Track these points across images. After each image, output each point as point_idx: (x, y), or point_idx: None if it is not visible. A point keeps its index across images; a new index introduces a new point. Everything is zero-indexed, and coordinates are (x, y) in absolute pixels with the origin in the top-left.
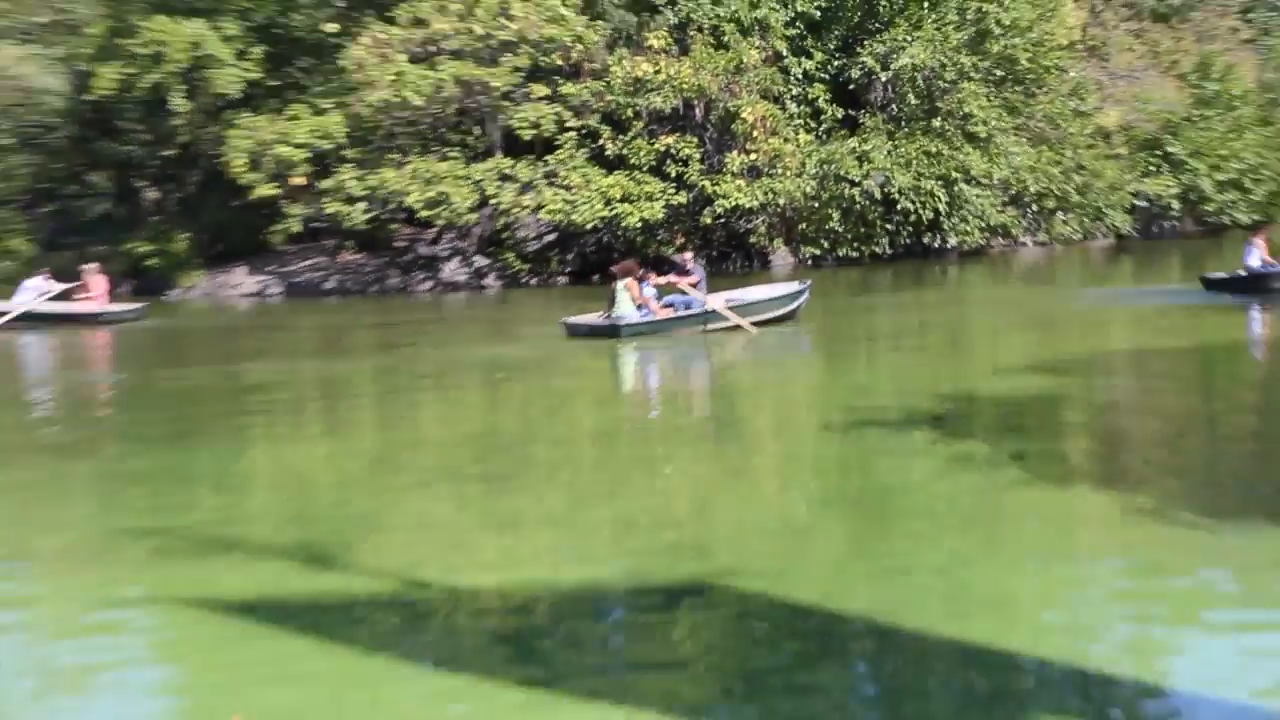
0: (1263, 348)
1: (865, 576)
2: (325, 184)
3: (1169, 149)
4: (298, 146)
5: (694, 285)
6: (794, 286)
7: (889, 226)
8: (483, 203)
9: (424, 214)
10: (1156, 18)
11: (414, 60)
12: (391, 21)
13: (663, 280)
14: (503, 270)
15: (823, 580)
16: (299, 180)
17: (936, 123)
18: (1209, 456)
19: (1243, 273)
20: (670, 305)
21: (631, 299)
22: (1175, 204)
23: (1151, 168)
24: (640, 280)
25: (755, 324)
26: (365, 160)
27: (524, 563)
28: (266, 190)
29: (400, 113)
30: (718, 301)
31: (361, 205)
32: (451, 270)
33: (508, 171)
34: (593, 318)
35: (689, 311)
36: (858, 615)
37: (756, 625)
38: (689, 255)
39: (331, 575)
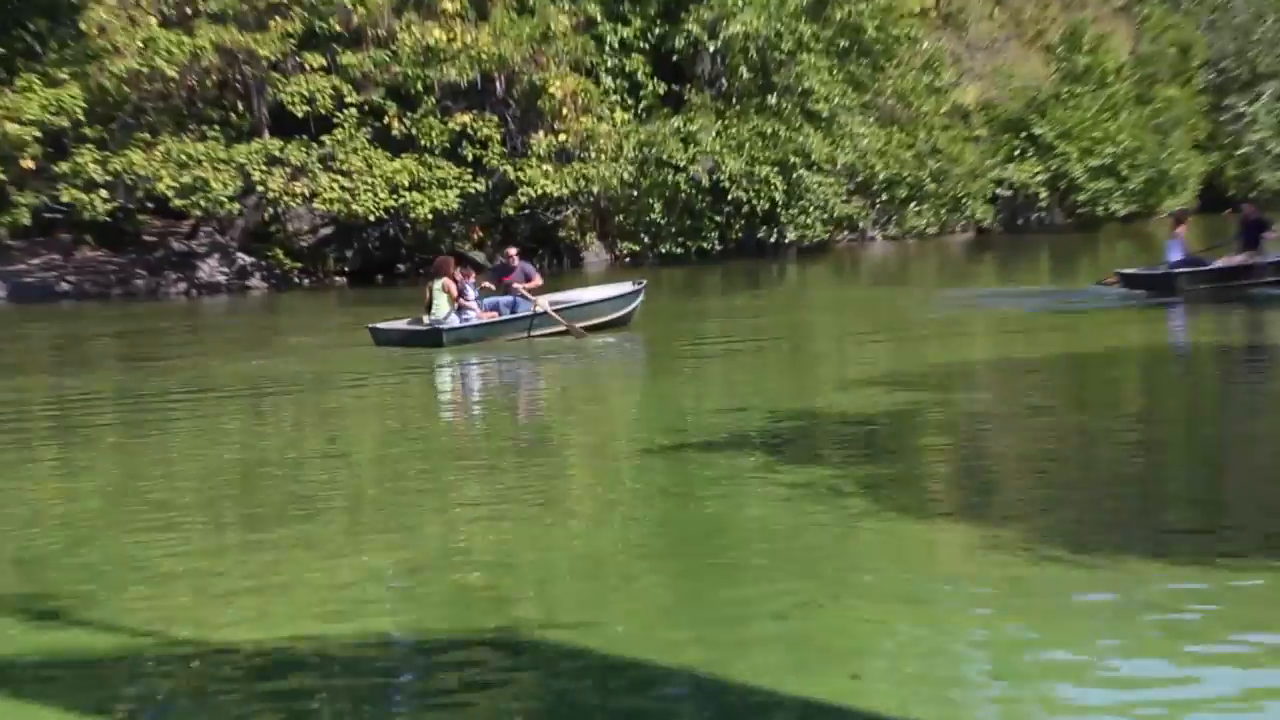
0: (1152, 355)
1: (691, 625)
2: (60, 167)
3: (1035, 131)
4: (27, 124)
5: (535, 289)
6: (627, 287)
7: (718, 219)
8: (247, 190)
9: (177, 203)
10: None
11: (167, 24)
12: None
13: (491, 285)
14: (270, 270)
15: (642, 630)
16: (28, 163)
17: (772, 100)
18: (1084, 482)
19: (1163, 269)
20: (494, 309)
21: (449, 300)
22: (1043, 193)
23: (1016, 152)
24: (461, 279)
25: (587, 329)
26: (108, 140)
27: (290, 615)
28: None
29: (150, 85)
30: (543, 304)
31: (103, 193)
32: (210, 269)
33: (276, 154)
34: (403, 323)
35: (514, 315)
36: (683, 671)
37: (563, 685)
38: (514, 252)
39: (63, 633)
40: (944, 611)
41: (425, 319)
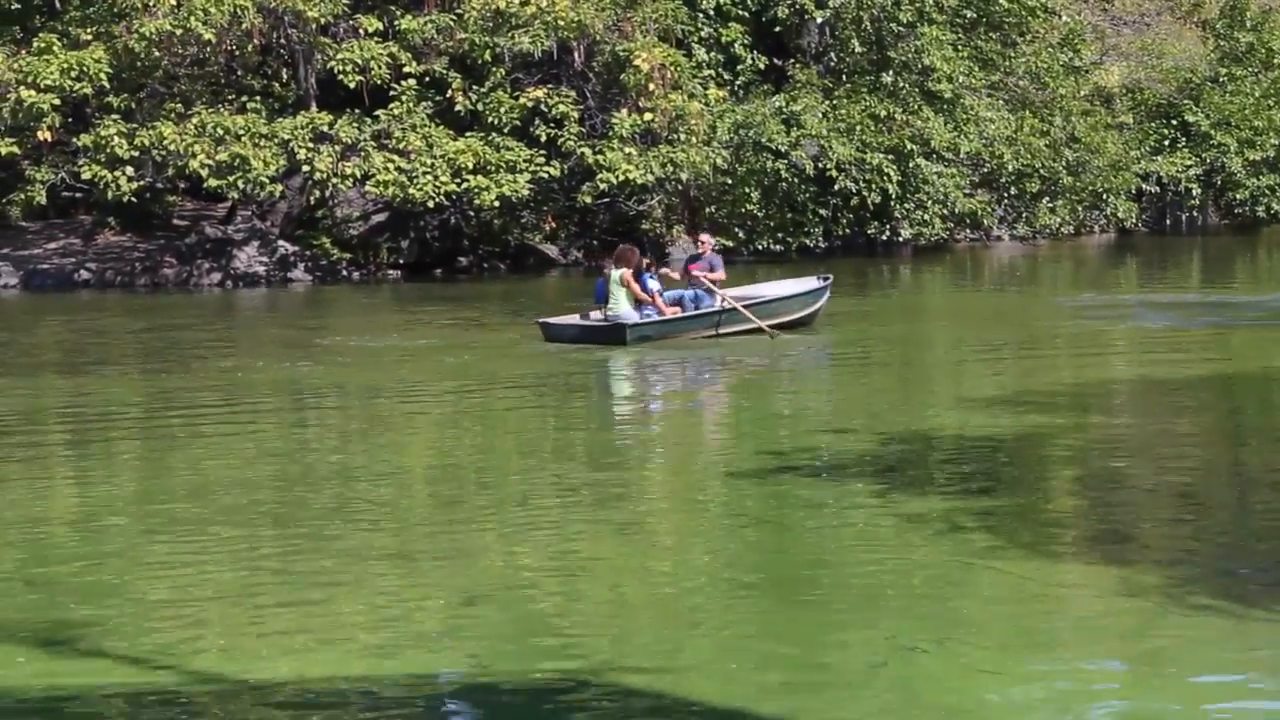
0: None
1: (777, 669)
2: (82, 140)
3: (1188, 118)
4: (46, 90)
5: (716, 281)
6: (813, 283)
7: (823, 212)
8: (291, 171)
9: (213, 184)
10: None
11: None
12: None
13: (676, 274)
14: (315, 260)
15: (723, 679)
16: (45, 135)
17: (887, 78)
18: (1234, 524)
19: None
20: (678, 302)
21: (628, 294)
22: (1195, 189)
23: (1165, 142)
24: (642, 271)
25: (774, 328)
26: (136, 111)
27: (332, 647)
28: (1, 148)
29: (184, 49)
30: (732, 300)
31: (129, 170)
32: (248, 258)
33: (325, 130)
34: (576, 318)
35: (702, 310)
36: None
37: None
38: (707, 240)
39: (76, 665)
40: (1067, 665)
41: (596, 314)
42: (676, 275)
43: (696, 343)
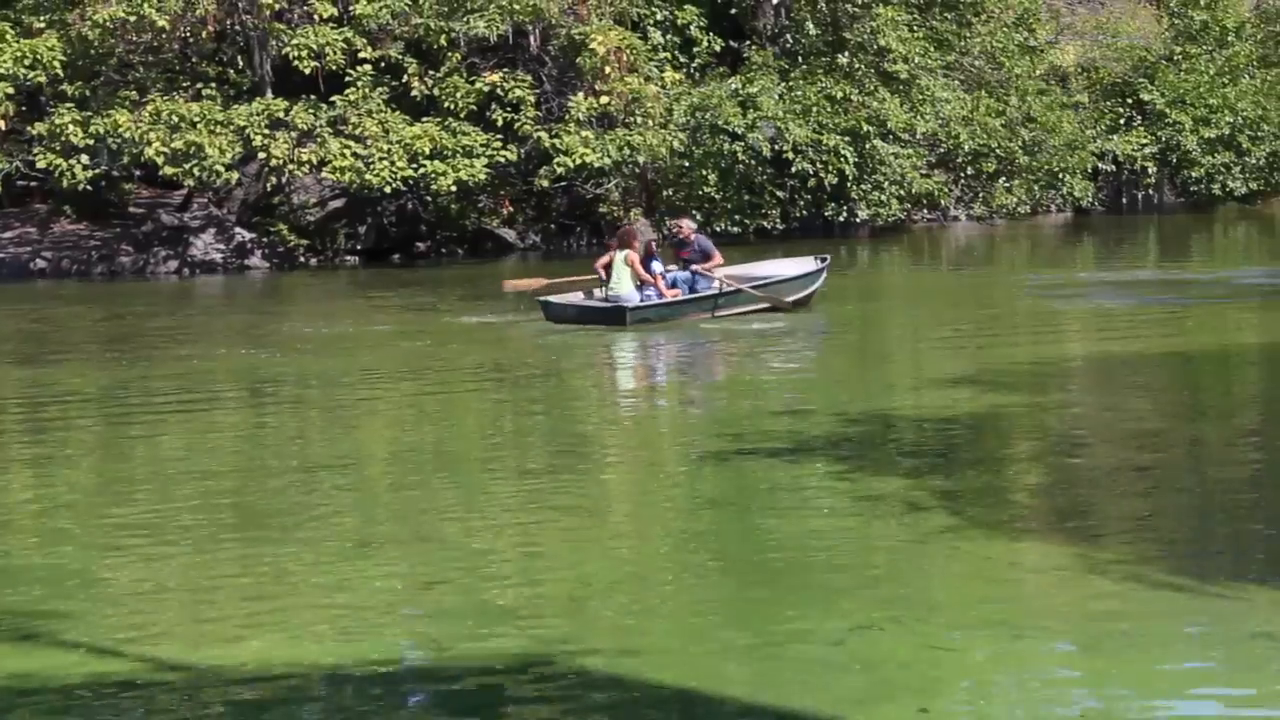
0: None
1: (743, 651)
2: (36, 129)
3: (1143, 97)
4: None
5: (714, 267)
6: (810, 264)
7: (781, 194)
8: (247, 157)
9: (168, 171)
10: None
11: None
12: None
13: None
14: (273, 247)
15: (682, 660)
16: (0, 124)
17: (843, 59)
18: (1192, 500)
19: None
20: (674, 285)
21: (632, 275)
22: (1151, 168)
23: (1120, 121)
24: (649, 254)
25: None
26: (90, 99)
27: (291, 632)
28: None
29: (138, 36)
30: (734, 282)
31: (84, 158)
32: (204, 246)
33: (280, 116)
34: (577, 297)
35: (702, 293)
36: (728, 700)
37: (596, 717)
38: (687, 224)
39: (35, 656)
40: (1026, 640)
41: (599, 293)
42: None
43: (684, 326)
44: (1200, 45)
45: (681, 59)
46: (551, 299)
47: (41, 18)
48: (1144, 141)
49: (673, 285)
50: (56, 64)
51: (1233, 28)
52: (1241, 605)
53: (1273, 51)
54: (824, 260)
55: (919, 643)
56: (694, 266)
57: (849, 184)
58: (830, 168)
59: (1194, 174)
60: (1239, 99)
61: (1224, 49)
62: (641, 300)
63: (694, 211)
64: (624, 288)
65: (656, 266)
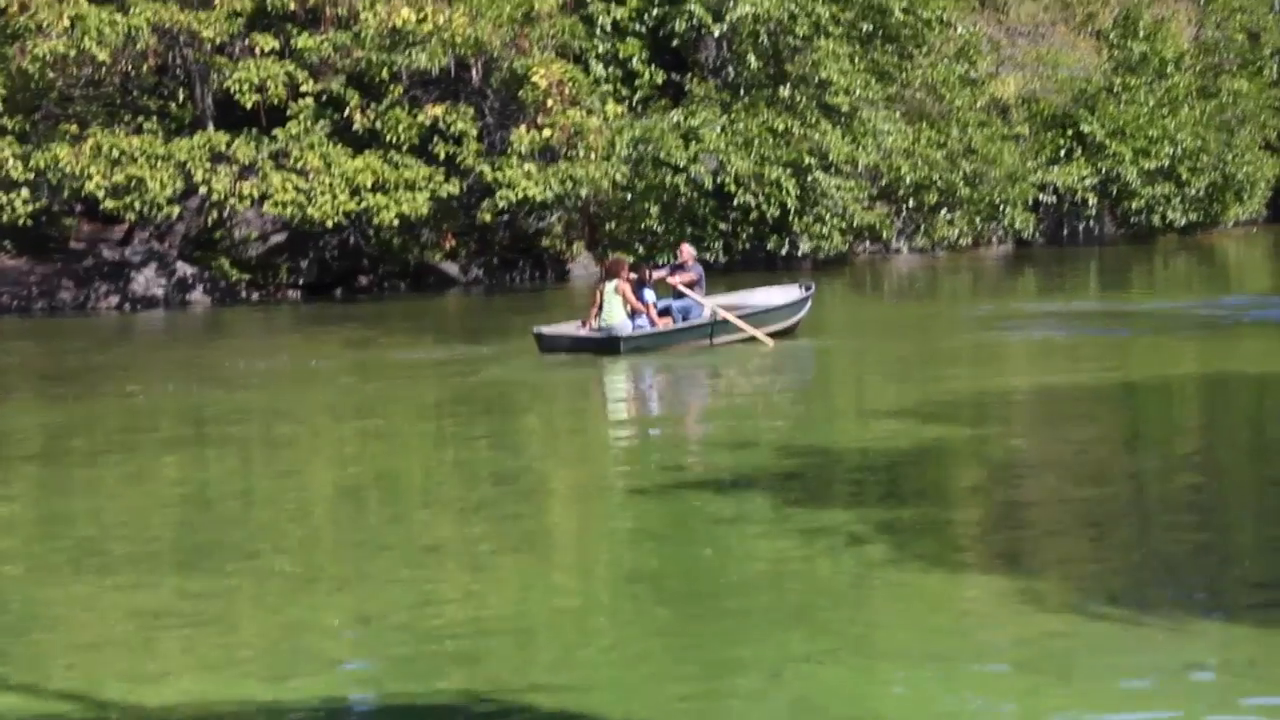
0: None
1: (678, 687)
2: None
3: (1083, 128)
4: None
5: (691, 286)
6: (796, 292)
7: (723, 226)
8: (188, 191)
9: (109, 205)
10: None
11: (98, 0)
12: None
13: (655, 276)
14: (214, 281)
15: (623, 693)
16: None
17: (785, 92)
18: (1134, 531)
19: None
20: (665, 312)
21: (623, 304)
22: (1092, 199)
23: (1061, 152)
24: (640, 283)
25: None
26: (30, 133)
27: (232, 670)
28: None
29: (78, 70)
30: (722, 311)
31: (24, 193)
32: (146, 281)
33: (222, 150)
34: (571, 327)
35: (694, 321)
36: None
37: None
38: (688, 250)
39: None
40: (966, 672)
41: (593, 324)
42: (661, 274)
43: (666, 354)
44: (1140, 77)
45: (624, 92)
46: (545, 330)
47: None
48: (1084, 173)
49: (664, 313)
50: None
51: (1172, 59)
52: (1181, 636)
53: (1212, 83)
54: (809, 289)
55: (856, 675)
56: (669, 279)
57: (791, 216)
58: (772, 200)
59: (1134, 205)
60: (1178, 130)
61: (1163, 80)
62: (634, 329)
63: (636, 244)
64: (616, 317)
65: (649, 295)
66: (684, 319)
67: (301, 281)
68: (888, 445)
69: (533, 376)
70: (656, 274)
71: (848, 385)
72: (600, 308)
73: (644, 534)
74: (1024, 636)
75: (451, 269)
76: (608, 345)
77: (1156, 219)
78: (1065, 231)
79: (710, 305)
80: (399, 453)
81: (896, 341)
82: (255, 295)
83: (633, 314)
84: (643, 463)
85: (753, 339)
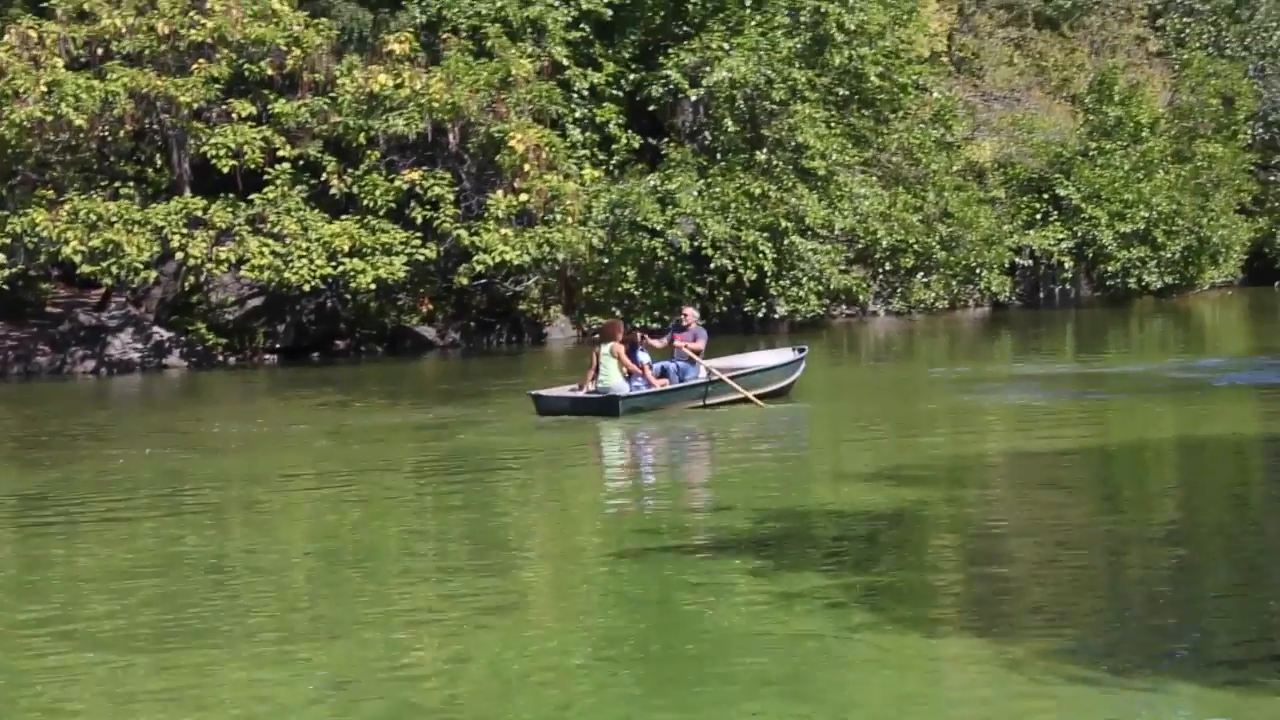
0: (1195, 448)
1: None
2: None
3: (1059, 192)
4: None
5: (698, 351)
6: (789, 354)
7: (700, 290)
8: (165, 256)
9: (86, 270)
10: (1042, 23)
11: (75, 66)
12: (46, 14)
13: (658, 343)
14: (191, 346)
15: None
16: None
17: (761, 156)
18: (1113, 596)
19: None
20: (663, 374)
21: (619, 366)
22: (1068, 262)
23: (1037, 216)
24: (633, 345)
25: (759, 398)
26: (7, 198)
27: None
28: None
29: (56, 135)
30: (717, 372)
31: (1, 257)
32: (122, 345)
33: (199, 215)
34: (568, 390)
35: (686, 383)
36: None
37: None
38: (691, 313)
39: None
40: None
41: (589, 386)
42: (659, 344)
43: (664, 416)
44: (1115, 141)
45: (600, 156)
46: (543, 392)
47: None
48: (1060, 236)
49: (661, 374)
50: None
51: (1147, 123)
52: (1156, 698)
53: (1186, 147)
54: (802, 351)
55: None
56: (681, 345)
57: (768, 280)
58: (749, 264)
59: (1110, 268)
60: (1154, 194)
61: (1138, 144)
62: (631, 390)
63: (614, 308)
64: (613, 379)
65: (643, 357)
66: (680, 380)
67: (278, 345)
68: (866, 509)
69: (511, 440)
70: (660, 341)
71: (824, 448)
72: (597, 370)
73: (623, 598)
74: (1000, 700)
75: (429, 332)
76: (606, 406)
77: (1132, 282)
78: (1041, 294)
79: (705, 366)
80: (377, 518)
81: (874, 405)
82: (232, 359)
83: (629, 376)
84: (622, 526)
85: (745, 400)
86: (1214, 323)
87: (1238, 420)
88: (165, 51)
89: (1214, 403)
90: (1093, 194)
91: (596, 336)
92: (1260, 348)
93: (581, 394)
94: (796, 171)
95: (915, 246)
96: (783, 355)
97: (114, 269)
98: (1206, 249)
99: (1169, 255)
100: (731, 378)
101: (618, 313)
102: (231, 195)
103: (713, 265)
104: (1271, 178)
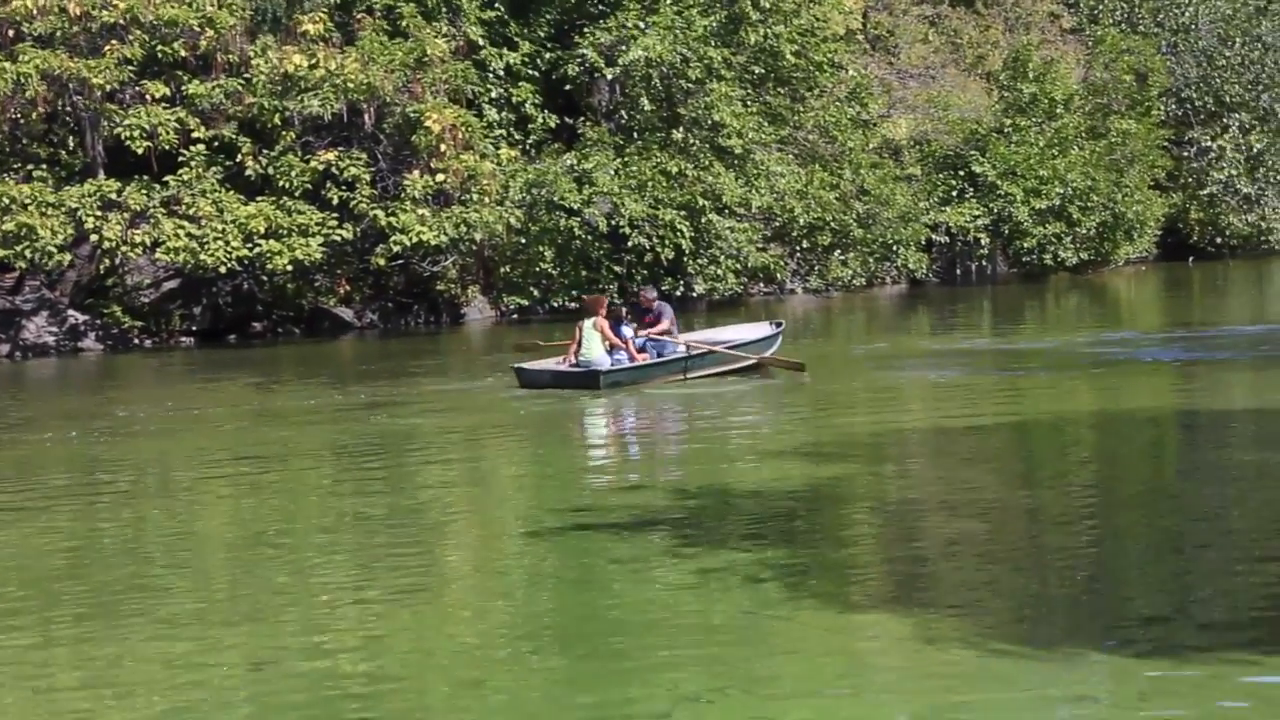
0: (1110, 421)
1: None
2: None
3: (974, 169)
4: None
5: (665, 331)
6: (767, 329)
7: (618, 269)
8: (79, 239)
9: (0, 254)
10: (956, 1)
11: None
12: None
13: (631, 330)
14: (107, 329)
15: None
16: None
17: (678, 135)
18: (1029, 567)
19: None
20: (643, 350)
21: (602, 340)
22: (984, 239)
23: (953, 193)
24: (617, 320)
25: (731, 373)
26: None
27: (122, 715)
28: None
29: None
30: (703, 345)
31: None
32: (37, 329)
33: (113, 197)
34: (552, 363)
35: (669, 356)
36: None
37: None
38: (651, 293)
39: None
40: (858, 711)
41: (571, 360)
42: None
43: (673, 388)
44: (1030, 117)
45: (517, 136)
46: (526, 365)
47: None
48: (976, 213)
49: (642, 349)
50: None
51: (1061, 100)
52: (1072, 670)
53: (1100, 123)
54: (779, 325)
55: (744, 714)
56: (641, 332)
57: (685, 258)
58: (666, 242)
59: (1026, 244)
60: (1068, 170)
61: (1053, 121)
62: (613, 364)
63: (531, 288)
64: (595, 353)
65: (626, 331)
66: (659, 355)
67: (195, 328)
68: (786, 487)
69: (431, 421)
70: (630, 330)
71: (741, 424)
72: (580, 344)
73: (542, 577)
74: (917, 674)
75: (346, 314)
76: (587, 380)
77: (1048, 258)
78: (958, 271)
79: (685, 342)
80: (295, 500)
81: (791, 381)
82: (148, 342)
83: (611, 349)
84: (543, 506)
85: (729, 372)
86: (1129, 298)
87: (1153, 394)
88: (77, 33)
89: (1129, 377)
90: (1008, 171)
91: (580, 311)
92: (1173, 322)
93: (564, 368)
94: (713, 150)
95: (832, 224)
96: (759, 329)
97: (28, 252)
98: (1121, 225)
99: (1084, 231)
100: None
101: (535, 292)
102: (146, 177)
103: (630, 244)
104: (1184, 153)
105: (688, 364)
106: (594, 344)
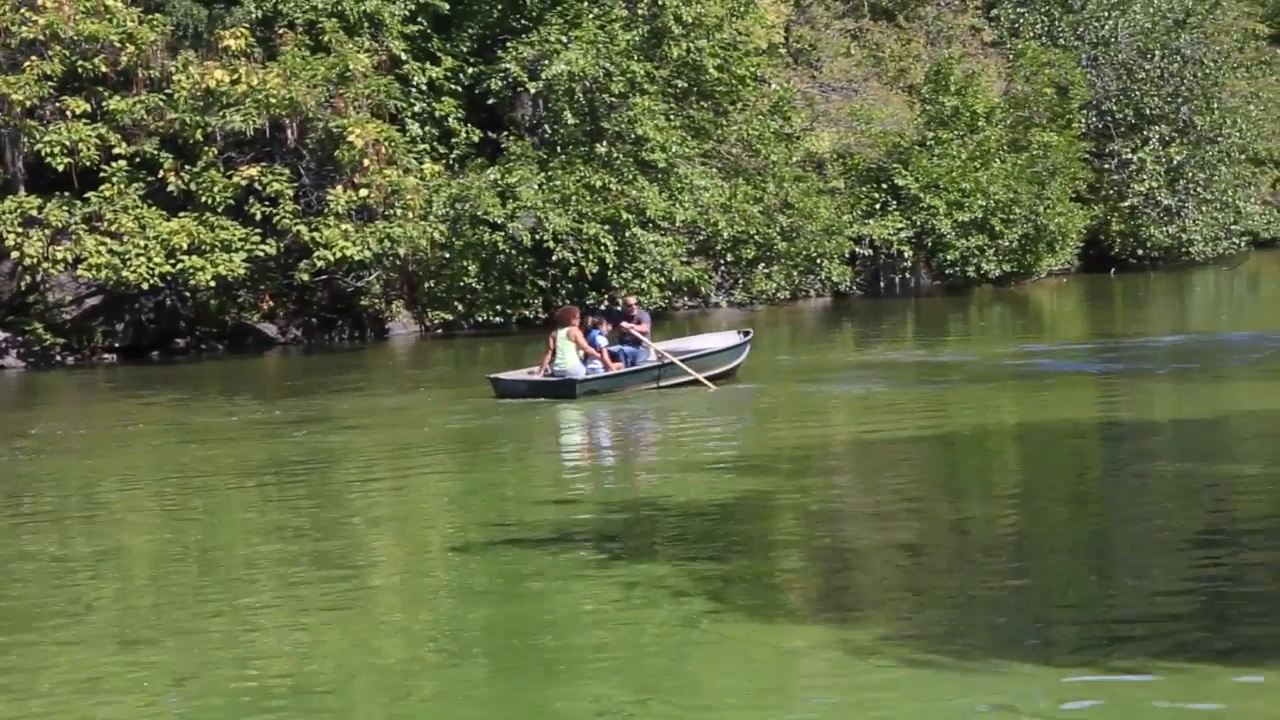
0: (1033, 432)
1: None
2: None
3: (897, 182)
4: None
5: (644, 333)
6: (735, 337)
7: (542, 283)
8: (0, 256)
9: None
10: (878, 14)
11: None
12: None
13: (606, 327)
14: (28, 346)
15: None
16: None
17: (601, 149)
18: (954, 577)
19: None
20: (617, 358)
21: (576, 349)
22: (907, 251)
23: (876, 206)
24: (589, 328)
25: (698, 382)
26: None
27: None
28: None
29: None
30: (669, 355)
31: None
32: None
33: (34, 214)
34: (525, 373)
35: (638, 366)
36: None
37: None
38: (633, 300)
39: None
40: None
41: (545, 369)
42: (607, 329)
43: (644, 396)
44: (952, 130)
45: (440, 150)
46: (502, 376)
47: None
48: (899, 226)
49: (615, 358)
50: None
51: (983, 113)
52: (997, 678)
53: (1022, 136)
54: (747, 334)
55: None
56: (623, 324)
57: (610, 272)
58: (591, 256)
59: (949, 257)
60: (991, 183)
61: (975, 134)
62: (587, 373)
63: (456, 302)
64: (569, 362)
65: (601, 340)
66: (632, 363)
67: (117, 345)
68: (710, 499)
69: (356, 437)
70: (611, 326)
71: (667, 438)
72: (554, 354)
73: (467, 590)
74: (842, 684)
75: (270, 329)
76: (563, 389)
77: (971, 270)
78: (882, 284)
79: (655, 350)
80: (219, 515)
81: (716, 393)
82: (70, 359)
83: (585, 358)
84: (468, 519)
85: (695, 382)
86: (1051, 310)
87: (1075, 405)
88: None
89: (1052, 389)
90: (931, 183)
91: (553, 322)
92: (1095, 334)
93: (539, 377)
94: (637, 164)
95: (756, 237)
96: (728, 339)
97: None
98: (1043, 237)
99: (1007, 243)
100: (680, 360)
101: (460, 307)
102: (67, 194)
103: (555, 258)
104: (1105, 166)
105: (660, 372)
106: (568, 354)
